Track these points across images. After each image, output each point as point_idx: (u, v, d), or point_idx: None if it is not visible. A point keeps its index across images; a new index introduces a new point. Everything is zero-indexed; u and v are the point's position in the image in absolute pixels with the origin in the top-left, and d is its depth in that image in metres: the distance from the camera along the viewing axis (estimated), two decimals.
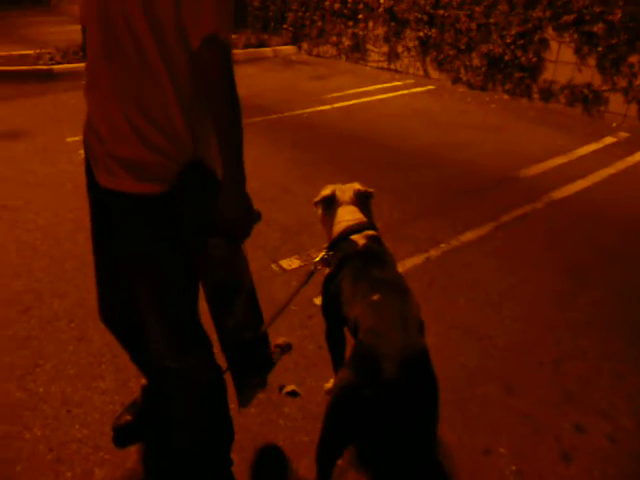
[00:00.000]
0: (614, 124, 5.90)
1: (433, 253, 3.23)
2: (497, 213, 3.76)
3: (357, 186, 1.94)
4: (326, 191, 1.88)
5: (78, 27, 6.13)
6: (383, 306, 1.51)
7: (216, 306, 1.56)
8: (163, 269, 1.52)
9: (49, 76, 7.37)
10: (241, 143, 1.36)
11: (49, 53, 8.14)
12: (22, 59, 7.94)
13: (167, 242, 1.48)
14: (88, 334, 2.48)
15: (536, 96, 6.70)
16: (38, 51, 8.24)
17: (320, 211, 1.93)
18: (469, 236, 3.45)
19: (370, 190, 1.94)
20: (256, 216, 1.44)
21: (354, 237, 1.78)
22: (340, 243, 1.77)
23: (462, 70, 7.37)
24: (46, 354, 2.36)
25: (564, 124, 5.90)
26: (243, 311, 1.61)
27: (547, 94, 6.59)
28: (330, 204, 1.86)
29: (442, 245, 3.32)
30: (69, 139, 4.93)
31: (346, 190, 1.92)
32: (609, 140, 5.38)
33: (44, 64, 7.68)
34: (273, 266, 3.02)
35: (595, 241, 3.46)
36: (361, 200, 1.93)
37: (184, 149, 1.41)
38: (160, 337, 1.59)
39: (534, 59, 6.59)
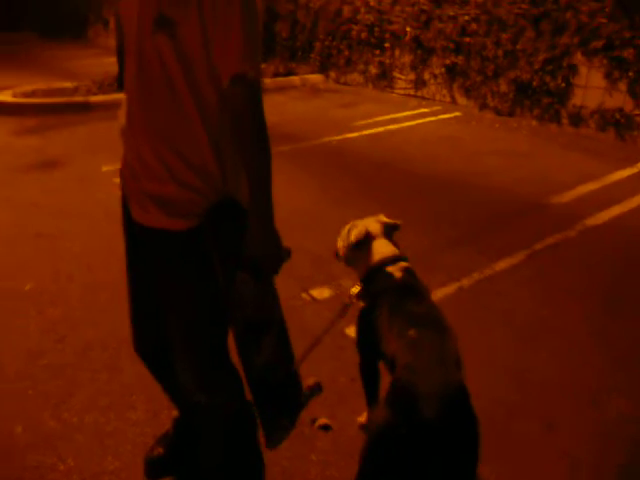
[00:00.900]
0: None
1: (465, 282, 3.18)
2: (530, 241, 3.70)
3: (383, 218, 1.94)
4: (358, 231, 1.84)
5: (113, 59, 6.37)
6: (420, 342, 1.49)
7: (244, 343, 1.55)
8: (192, 303, 1.53)
9: (85, 107, 7.60)
10: (269, 180, 1.37)
11: (86, 85, 8.43)
12: (61, 91, 8.23)
13: (197, 277, 1.49)
14: (120, 363, 2.50)
15: (565, 121, 6.63)
16: (76, 84, 8.54)
17: (345, 251, 1.90)
18: (502, 265, 3.39)
19: (397, 222, 1.93)
20: (285, 253, 1.43)
21: (389, 269, 1.77)
22: (375, 275, 1.76)
23: (489, 96, 7.36)
24: (80, 383, 2.38)
25: (596, 149, 5.82)
26: (272, 349, 1.60)
27: (577, 119, 6.53)
28: (365, 242, 1.85)
29: (474, 274, 3.27)
30: (104, 168, 5.06)
31: (374, 223, 1.91)
32: None
33: (81, 96, 7.94)
34: (304, 295, 3.01)
35: (632, 270, 3.37)
36: (388, 232, 1.92)
37: (214, 185, 1.43)
38: (189, 371, 1.60)
39: (563, 84, 6.55)
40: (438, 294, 3.00)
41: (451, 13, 7.53)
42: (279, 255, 1.41)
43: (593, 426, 2.17)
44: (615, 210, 4.20)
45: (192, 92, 1.35)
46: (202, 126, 1.38)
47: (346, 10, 9.08)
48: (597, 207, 4.24)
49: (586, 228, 3.91)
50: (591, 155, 5.61)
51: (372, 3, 8.64)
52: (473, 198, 4.48)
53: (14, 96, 7.87)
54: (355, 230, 1.85)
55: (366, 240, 1.83)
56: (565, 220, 4.03)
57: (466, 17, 7.34)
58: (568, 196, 4.50)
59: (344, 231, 1.93)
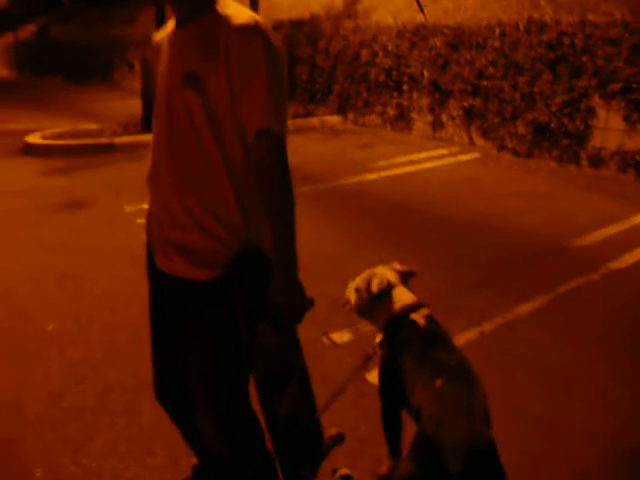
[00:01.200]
0: None
1: (487, 327, 3.14)
2: (552, 284, 3.65)
3: (397, 266, 1.93)
4: (380, 281, 1.81)
5: (138, 101, 6.59)
6: (447, 393, 1.47)
7: (266, 392, 1.54)
8: (214, 352, 1.54)
9: (111, 148, 7.81)
10: (293, 230, 1.39)
11: (111, 127, 8.69)
12: (87, 133, 8.49)
13: (219, 326, 1.50)
14: (140, 406, 2.49)
15: (585, 163, 6.63)
16: (101, 125, 8.81)
17: (363, 302, 1.87)
18: (524, 309, 3.35)
19: (412, 269, 1.93)
20: (308, 302, 1.44)
21: (412, 317, 1.76)
22: (398, 324, 1.75)
23: (507, 138, 7.41)
24: (100, 427, 2.37)
25: (616, 191, 5.79)
26: (294, 398, 1.59)
27: (596, 161, 6.52)
28: (386, 292, 1.83)
29: (496, 318, 3.23)
30: (127, 208, 5.16)
31: (390, 272, 1.90)
32: None
33: (106, 137, 8.17)
34: (324, 339, 3.00)
35: None
36: (405, 280, 1.91)
37: (239, 235, 1.46)
38: (209, 419, 1.59)
39: (581, 126, 6.58)
40: (459, 339, 2.95)
41: (468, 57, 7.67)
42: (302, 304, 1.41)
43: (623, 476, 2.09)
44: (639, 253, 4.15)
45: (219, 145, 1.39)
46: (228, 179, 1.41)
47: (364, 54, 9.31)
48: (620, 250, 4.19)
49: (610, 271, 3.86)
50: (612, 197, 5.58)
51: (390, 48, 8.85)
52: (493, 240, 4.46)
53: (43, 138, 8.13)
54: (376, 280, 1.82)
55: (388, 290, 1.82)
56: (588, 263, 3.98)
57: (483, 61, 7.47)
58: (590, 239, 4.46)
59: (359, 282, 1.89)
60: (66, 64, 22.86)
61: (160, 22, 8.63)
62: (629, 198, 5.54)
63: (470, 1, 9.09)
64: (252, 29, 1.33)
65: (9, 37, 32.03)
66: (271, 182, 1.35)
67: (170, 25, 1.52)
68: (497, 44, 7.29)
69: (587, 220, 4.87)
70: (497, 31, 7.31)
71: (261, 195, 1.40)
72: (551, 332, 3.11)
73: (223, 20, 1.37)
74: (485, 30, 7.49)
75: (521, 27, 7.06)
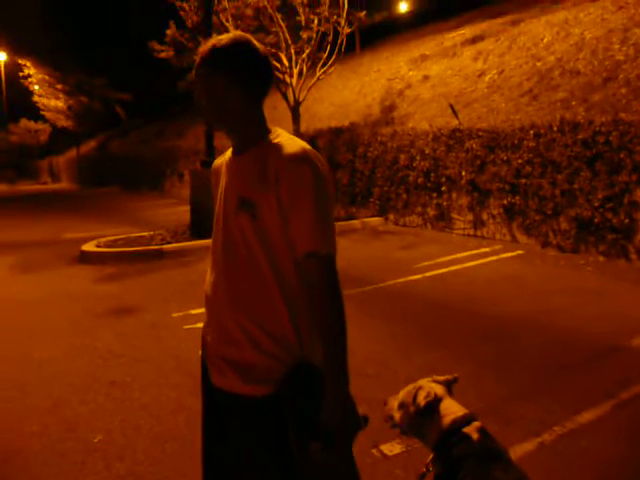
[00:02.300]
0: None
1: (547, 437, 2.95)
2: (614, 389, 3.44)
3: (438, 377, 1.86)
4: (427, 393, 1.75)
5: (186, 208, 6.94)
6: None
7: None
8: (264, 471, 1.50)
9: (159, 255, 8.15)
10: (344, 349, 1.40)
11: (160, 234, 9.11)
12: (138, 240, 8.92)
13: (270, 443, 1.49)
14: None
15: (634, 256, 6.47)
16: (152, 232, 9.26)
17: (409, 417, 1.79)
18: (586, 417, 3.15)
19: (455, 376, 1.87)
20: (361, 421, 1.41)
21: (465, 430, 1.69)
22: (450, 439, 1.68)
23: (551, 234, 7.36)
24: None
25: None
26: None
27: None
28: (434, 405, 1.77)
29: (555, 428, 3.04)
30: (175, 314, 5.28)
31: (434, 384, 1.85)
32: None
33: (156, 244, 8.55)
34: (374, 451, 2.87)
35: None
36: (449, 390, 1.85)
37: (291, 351, 1.48)
38: None
39: (626, 220, 6.50)
40: (517, 451, 2.78)
41: (504, 157, 7.85)
42: (355, 423, 1.39)
43: None
44: None
45: (272, 267, 1.46)
46: (281, 297, 1.47)
47: (402, 158, 9.66)
48: None
49: None
50: None
51: (427, 151, 9.17)
52: (544, 340, 4.31)
53: (97, 246, 8.58)
54: (422, 393, 1.76)
55: (435, 403, 1.76)
56: None
57: (519, 160, 7.62)
58: None
59: (403, 396, 1.82)
60: (122, 175, 24.56)
61: (209, 138, 9.30)
62: None
63: (503, 105, 9.47)
64: (301, 158, 1.44)
65: (73, 152, 34.93)
66: (320, 301, 1.40)
67: (228, 152, 1.66)
68: (532, 144, 7.46)
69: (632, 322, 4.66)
70: (531, 132, 7.51)
71: (312, 313, 1.43)
72: (618, 442, 2.89)
73: (274, 148, 1.49)
74: (519, 131, 7.71)
75: (555, 127, 7.24)
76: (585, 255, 6.89)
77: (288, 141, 1.51)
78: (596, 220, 6.76)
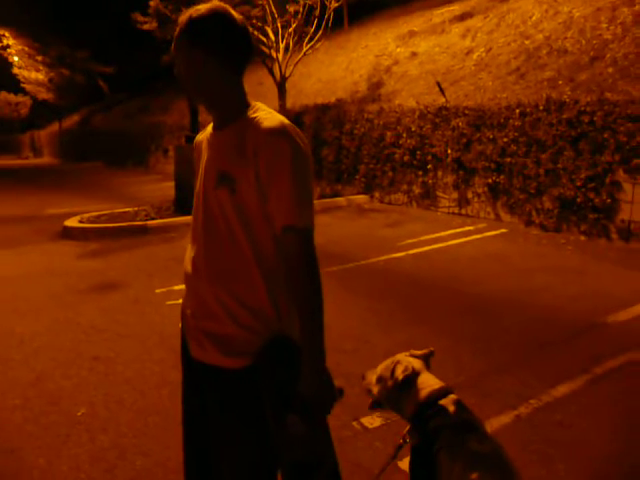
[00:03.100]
0: None
1: (523, 410, 3.03)
2: (589, 364, 3.53)
3: (416, 352, 1.89)
4: (405, 367, 1.78)
5: (171, 184, 6.87)
6: None
7: None
8: (241, 442, 1.53)
9: (144, 230, 8.10)
10: (321, 321, 1.42)
11: (144, 210, 9.04)
12: (122, 215, 8.84)
13: (248, 415, 1.51)
14: None
15: (615, 236, 6.57)
16: (136, 208, 9.18)
17: (388, 391, 1.82)
18: (561, 390, 3.23)
19: (431, 349, 1.89)
20: (337, 393, 1.43)
21: (441, 403, 1.73)
22: (427, 412, 1.72)
23: (534, 213, 7.43)
24: None
25: None
26: None
27: (626, 233, 6.46)
28: (412, 379, 1.80)
29: (532, 401, 3.12)
30: (158, 290, 5.27)
31: (412, 358, 1.87)
32: None
33: (140, 220, 8.49)
34: (354, 424, 2.93)
35: None
36: (427, 364, 1.88)
37: (269, 324, 1.50)
38: None
39: (608, 200, 6.57)
40: (493, 424, 2.85)
41: (490, 136, 7.87)
42: (331, 395, 1.42)
43: None
44: None
45: (250, 241, 1.47)
46: (259, 272, 1.48)
47: (389, 135, 9.64)
48: None
49: None
50: None
51: (413, 129, 9.15)
52: (524, 317, 4.38)
53: (81, 221, 8.49)
54: (400, 367, 1.79)
55: (413, 376, 1.79)
56: (626, 340, 3.86)
57: (505, 139, 7.65)
58: (626, 314, 4.34)
59: (381, 371, 1.85)
60: (106, 151, 24.20)
61: (194, 114, 9.18)
62: None
63: (490, 83, 9.44)
64: (279, 132, 1.43)
65: (55, 127, 34.26)
66: (298, 275, 1.41)
67: (209, 128, 1.64)
68: (518, 123, 7.47)
69: (621, 295, 4.76)
70: (517, 111, 7.52)
71: (289, 287, 1.44)
72: (593, 416, 2.97)
73: (253, 123, 1.48)
74: (505, 110, 7.72)
75: (540, 106, 7.26)
76: (567, 234, 6.97)
77: (267, 115, 1.50)
78: (579, 200, 6.82)
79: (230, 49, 1.50)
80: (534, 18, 10.92)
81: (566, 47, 9.03)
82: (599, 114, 6.59)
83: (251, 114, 1.51)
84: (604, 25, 8.97)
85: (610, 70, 7.65)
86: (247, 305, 1.48)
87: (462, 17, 13.52)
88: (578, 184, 6.80)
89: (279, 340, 1.49)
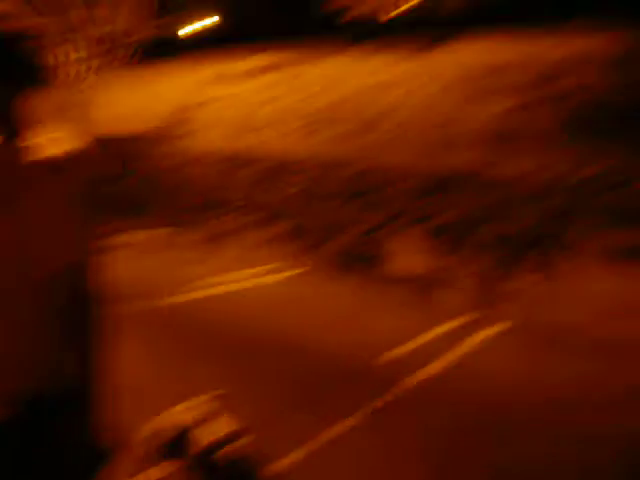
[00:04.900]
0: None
1: (310, 447, 3.25)
2: (367, 401, 3.91)
3: (200, 399, 1.95)
4: (177, 427, 1.83)
5: None
6: None
7: None
8: None
9: None
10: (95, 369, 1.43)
11: None
12: None
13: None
14: None
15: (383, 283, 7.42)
16: None
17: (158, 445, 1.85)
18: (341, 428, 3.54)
19: (221, 393, 1.99)
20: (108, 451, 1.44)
21: (219, 452, 1.73)
22: (205, 460, 1.71)
23: (325, 256, 8.05)
24: None
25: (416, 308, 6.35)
26: None
27: (395, 280, 7.37)
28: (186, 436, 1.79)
29: (318, 438, 3.36)
30: None
31: (187, 413, 1.89)
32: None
33: None
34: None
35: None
36: (217, 408, 1.91)
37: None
38: None
39: (379, 251, 7.47)
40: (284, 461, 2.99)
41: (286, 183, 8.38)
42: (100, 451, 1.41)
43: None
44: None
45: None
46: None
47: (185, 176, 9.60)
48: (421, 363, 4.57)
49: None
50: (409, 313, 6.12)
51: (209, 171, 9.28)
52: (312, 356, 4.68)
53: None
54: (174, 427, 1.80)
55: (186, 434, 1.80)
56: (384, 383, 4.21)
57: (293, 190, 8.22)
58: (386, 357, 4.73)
59: (158, 427, 1.89)
60: None
61: None
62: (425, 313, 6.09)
63: (280, 137, 10.09)
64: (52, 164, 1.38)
65: None
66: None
67: None
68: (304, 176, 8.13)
69: (386, 338, 5.13)
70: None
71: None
72: (368, 450, 3.32)
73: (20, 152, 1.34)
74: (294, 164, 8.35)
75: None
76: (352, 277, 7.53)
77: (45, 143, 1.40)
78: (357, 249, 7.62)
79: None
80: (319, 87, 11.97)
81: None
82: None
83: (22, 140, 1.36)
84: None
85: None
86: None
87: (264, 70, 14.25)
88: (357, 235, 7.61)
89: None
